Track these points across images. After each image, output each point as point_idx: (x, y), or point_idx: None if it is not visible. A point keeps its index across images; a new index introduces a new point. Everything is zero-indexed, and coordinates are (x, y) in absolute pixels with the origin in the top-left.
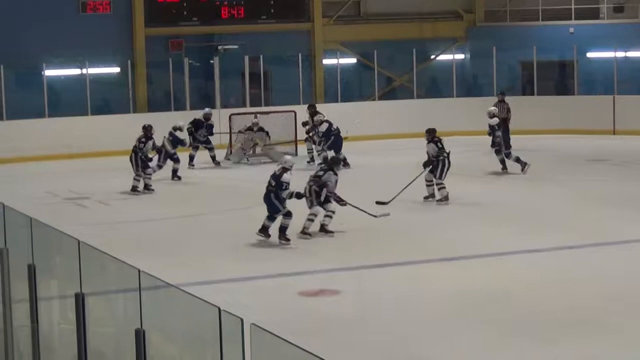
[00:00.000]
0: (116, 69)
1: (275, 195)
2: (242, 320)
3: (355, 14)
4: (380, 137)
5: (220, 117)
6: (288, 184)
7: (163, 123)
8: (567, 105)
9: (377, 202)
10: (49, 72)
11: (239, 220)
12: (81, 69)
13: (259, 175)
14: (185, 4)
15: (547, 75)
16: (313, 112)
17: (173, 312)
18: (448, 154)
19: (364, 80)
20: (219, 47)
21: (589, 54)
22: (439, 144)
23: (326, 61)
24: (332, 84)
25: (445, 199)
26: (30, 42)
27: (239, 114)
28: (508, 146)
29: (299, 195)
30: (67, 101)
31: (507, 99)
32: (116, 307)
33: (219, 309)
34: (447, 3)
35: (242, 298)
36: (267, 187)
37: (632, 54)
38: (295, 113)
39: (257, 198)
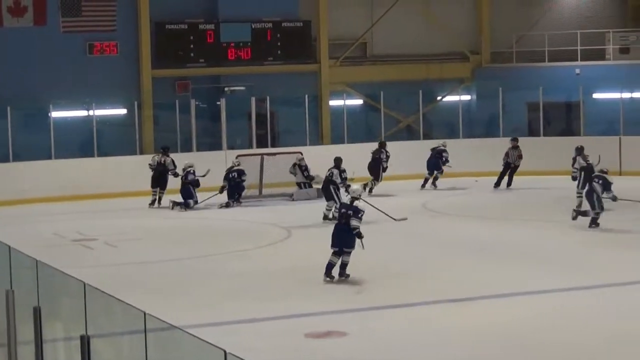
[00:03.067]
0: (123, 111)
1: (349, 227)
2: None
3: (362, 55)
4: (387, 179)
5: (227, 159)
6: (363, 212)
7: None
8: (573, 146)
9: None
10: (55, 114)
11: (246, 260)
12: (88, 110)
13: (263, 215)
14: (192, 46)
15: (554, 116)
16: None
17: (178, 354)
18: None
19: (371, 121)
20: (226, 89)
21: (595, 95)
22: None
23: (333, 102)
24: (339, 125)
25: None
26: (37, 84)
27: (245, 155)
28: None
29: (359, 235)
30: (74, 143)
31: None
32: (121, 349)
33: (225, 351)
34: (454, 44)
35: (249, 340)
36: (341, 219)
37: (638, 94)
38: (301, 154)
39: (263, 239)
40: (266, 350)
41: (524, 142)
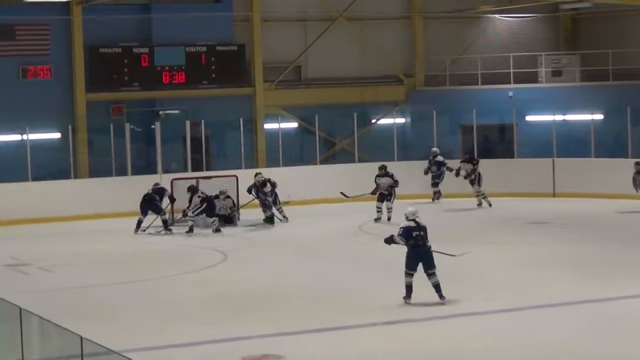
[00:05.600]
0: (57, 135)
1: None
2: None
3: (296, 79)
4: (323, 202)
5: (162, 182)
6: None
7: (104, 188)
8: (507, 168)
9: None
10: None
11: (182, 285)
12: (22, 134)
13: (199, 239)
14: (126, 70)
15: (487, 139)
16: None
17: None
18: None
19: (306, 144)
20: (160, 112)
21: (528, 117)
22: None
23: (268, 126)
24: (274, 148)
25: None
26: None
27: (180, 179)
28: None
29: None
30: (8, 167)
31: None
32: None
33: None
34: (388, 67)
35: None
36: (418, 242)
37: (570, 117)
38: (237, 177)
39: (199, 262)
40: None
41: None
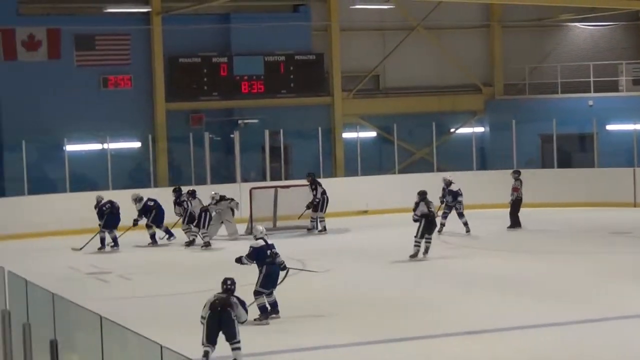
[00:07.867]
0: (137, 144)
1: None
2: None
3: (375, 88)
4: (401, 211)
5: (241, 191)
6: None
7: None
8: (587, 178)
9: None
10: (70, 147)
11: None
12: (102, 143)
13: (278, 248)
14: (205, 79)
15: (567, 148)
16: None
17: None
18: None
19: (384, 153)
20: (239, 122)
21: (609, 127)
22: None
23: (346, 135)
24: (352, 157)
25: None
26: (52, 118)
27: (259, 187)
28: None
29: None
30: (89, 176)
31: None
32: None
33: None
34: (466, 76)
35: None
36: (278, 261)
37: None
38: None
39: None
40: None
41: (538, 174)
